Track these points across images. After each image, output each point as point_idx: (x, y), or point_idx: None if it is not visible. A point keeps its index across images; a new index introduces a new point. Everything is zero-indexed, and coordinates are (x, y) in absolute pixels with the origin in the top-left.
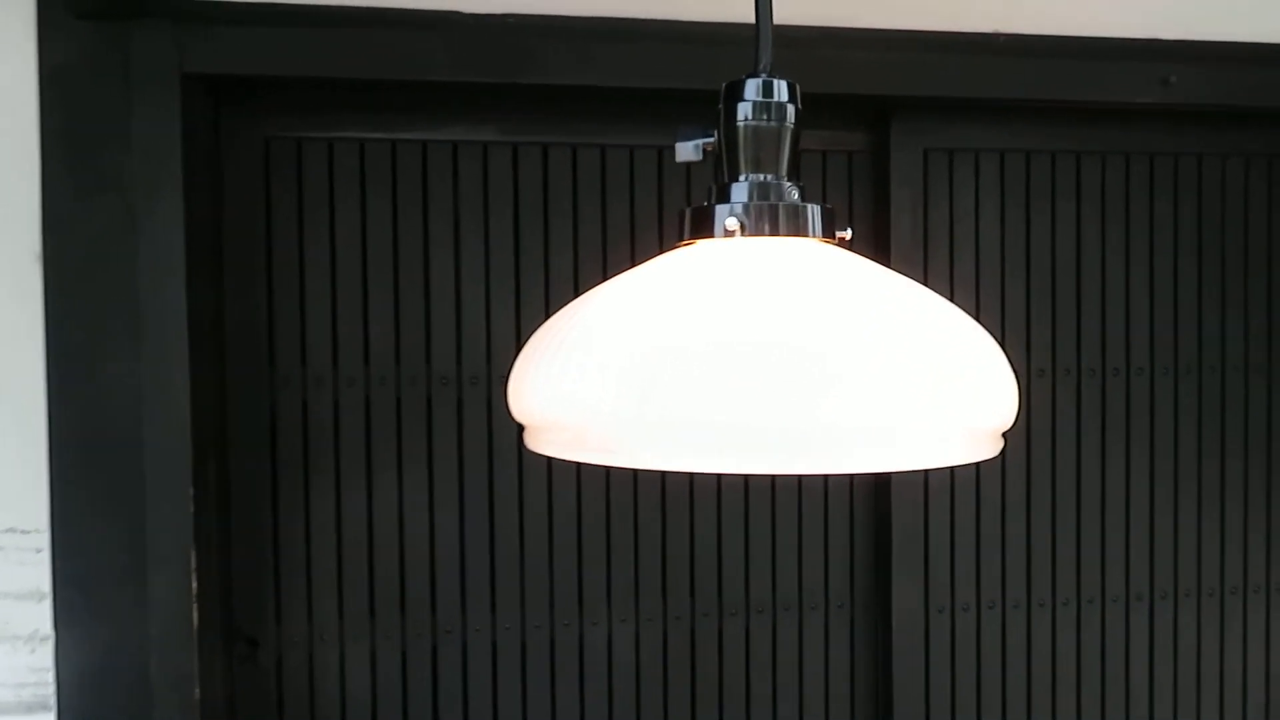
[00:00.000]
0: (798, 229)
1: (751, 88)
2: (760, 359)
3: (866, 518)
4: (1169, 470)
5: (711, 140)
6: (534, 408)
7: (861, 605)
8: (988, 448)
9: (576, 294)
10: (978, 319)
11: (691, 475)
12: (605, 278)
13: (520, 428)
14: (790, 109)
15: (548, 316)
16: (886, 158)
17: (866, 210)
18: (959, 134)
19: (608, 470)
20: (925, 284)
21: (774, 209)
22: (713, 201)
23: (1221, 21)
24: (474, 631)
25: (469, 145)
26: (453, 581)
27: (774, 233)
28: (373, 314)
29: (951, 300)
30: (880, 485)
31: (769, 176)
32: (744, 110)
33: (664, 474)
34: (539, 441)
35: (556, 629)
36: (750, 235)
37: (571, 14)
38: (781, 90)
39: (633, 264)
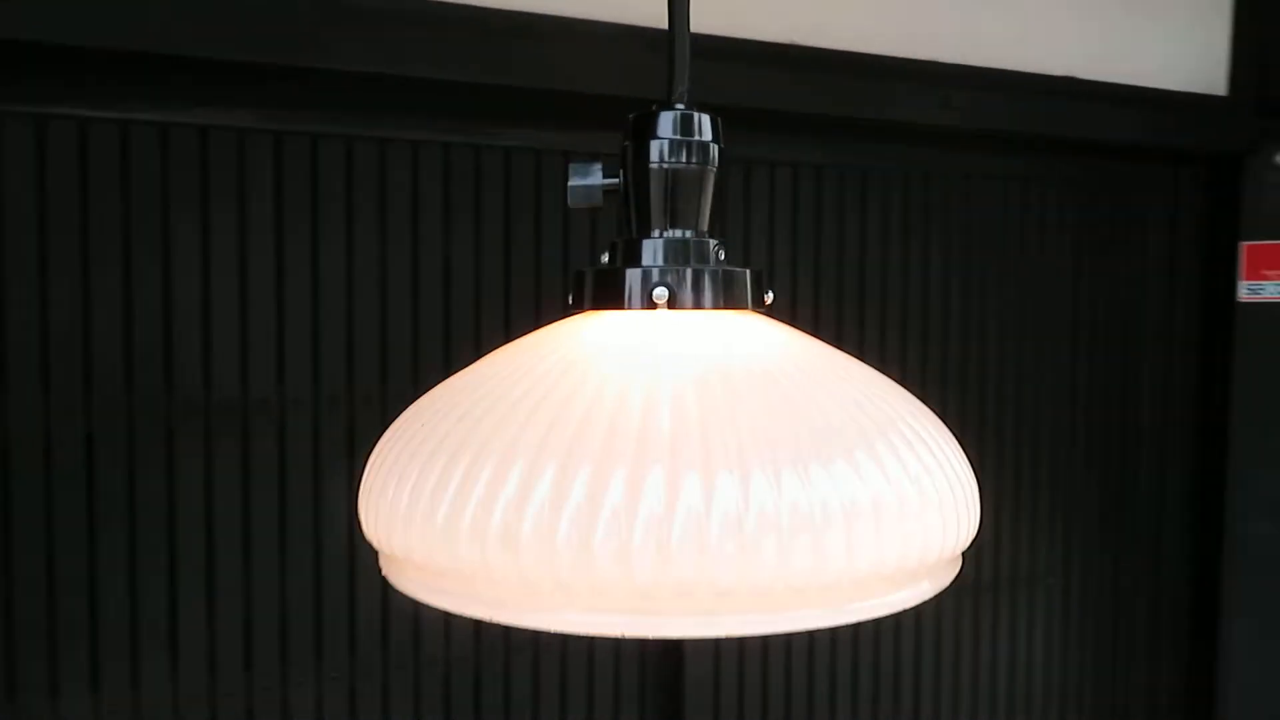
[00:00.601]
0: (732, 299)
1: (667, 122)
2: (692, 497)
3: None
4: None
5: (615, 183)
6: (401, 540)
7: None
8: (943, 577)
9: (350, 305)
10: None
11: None
12: (382, 286)
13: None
14: (715, 149)
15: (315, 327)
16: None
17: None
18: (754, 146)
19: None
20: None
21: (701, 276)
22: (620, 262)
23: (997, 49)
24: (224, 697)
25: (221, 131)
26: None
27: (701, 304)
28: (96, 326)
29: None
30: None
31: (688, 232)
32: (658, 149)
33: None
34: (405, 580)
35: (290, 689)
36: (677, 309)
37: None
38: (704, 126)
39: (414, 269)
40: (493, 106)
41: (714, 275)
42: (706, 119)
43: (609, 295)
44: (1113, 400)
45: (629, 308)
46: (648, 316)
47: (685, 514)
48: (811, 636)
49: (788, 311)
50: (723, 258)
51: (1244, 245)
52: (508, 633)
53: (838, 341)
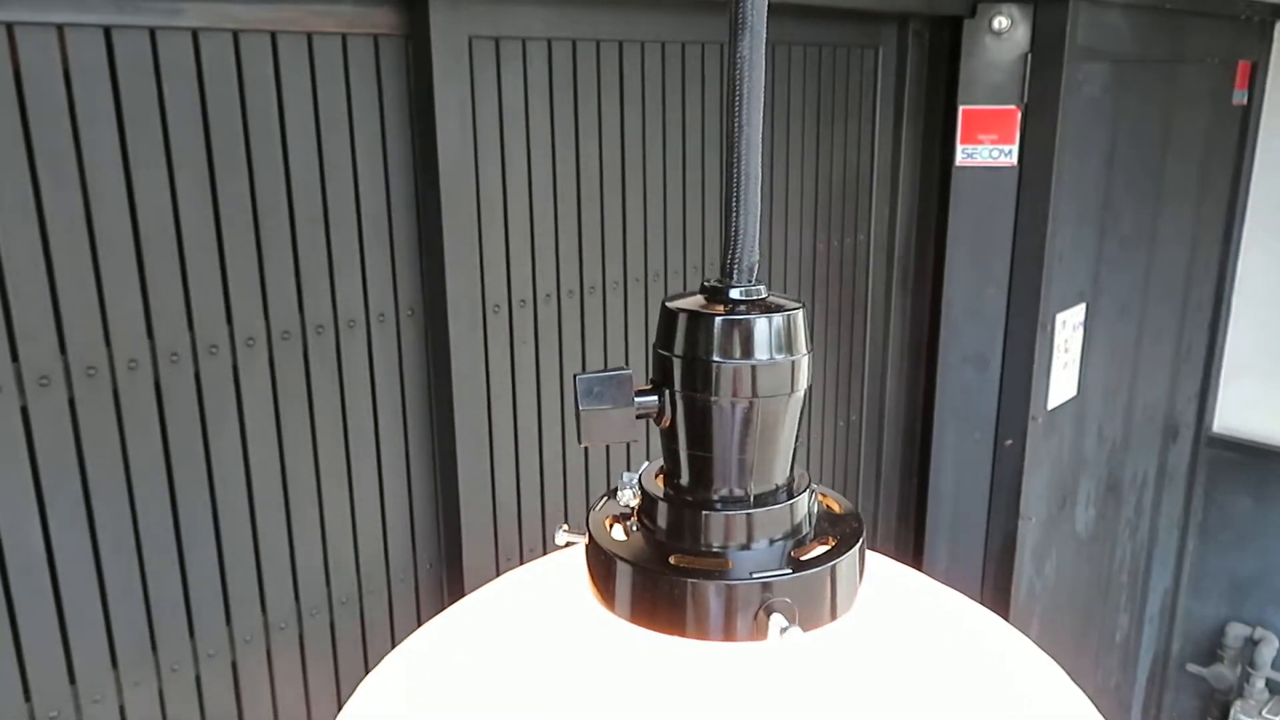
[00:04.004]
0: (851, 591)
1: (739, 333)
2: None
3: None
4: None
5: (653, 406)
6: None
7: None
8: None
9: None
10: (532, 233)
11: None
12: None
13: None
14: (806, 362)
15: None
16: (427, 45)
17: (401, 105)
18: (504, 20)
19: None
20: (478, 193)
21: (821, 581)
22: (668, 534)
23: None
24: None
25: None
26: None
27: (819, 617)
28: None
29: (504, 213)
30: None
31: (772, 489)
32: (729, 377)
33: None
34: None
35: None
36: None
37: None
38: (789, 332)
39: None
40: None
41: (835, 571)
42: (796, 319)
43: (668, 607)
44: (845, 262)
45: (712, 636)
46: (757, 657)
47: None
48: None
49: (549, 201)
50: (816, 510)
51: (961, 109)
52: None
53: (601, 248)
